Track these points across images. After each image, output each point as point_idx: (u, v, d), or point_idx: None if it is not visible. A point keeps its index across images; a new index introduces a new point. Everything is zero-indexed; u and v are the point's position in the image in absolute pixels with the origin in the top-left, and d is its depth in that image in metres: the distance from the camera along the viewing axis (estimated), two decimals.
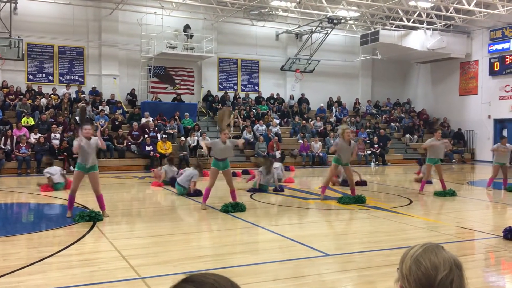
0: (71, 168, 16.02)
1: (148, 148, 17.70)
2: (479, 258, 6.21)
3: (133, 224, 7.96)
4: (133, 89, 21.50)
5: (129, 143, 18.06)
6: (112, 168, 16.79)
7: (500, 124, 22.82)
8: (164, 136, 18.36)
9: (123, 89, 21.47)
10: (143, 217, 8.72)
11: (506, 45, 22.05)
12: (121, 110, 20.15)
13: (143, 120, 19.34)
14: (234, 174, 15.59)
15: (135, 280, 4.82)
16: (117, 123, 18.98)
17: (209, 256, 5.86)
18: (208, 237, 7.39)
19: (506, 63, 22.04)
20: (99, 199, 8.12)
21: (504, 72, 22.16)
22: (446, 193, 11.13)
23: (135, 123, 18.70)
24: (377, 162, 20.75)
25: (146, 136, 18.19)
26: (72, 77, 20.89)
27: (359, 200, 9.91)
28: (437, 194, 11.22)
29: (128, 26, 21.37)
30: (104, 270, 5.16)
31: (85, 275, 5.00)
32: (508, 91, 22.19)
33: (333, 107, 24.73)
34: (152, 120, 19.43)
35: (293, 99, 24.59)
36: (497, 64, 22.48)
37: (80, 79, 21.04)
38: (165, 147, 17.79)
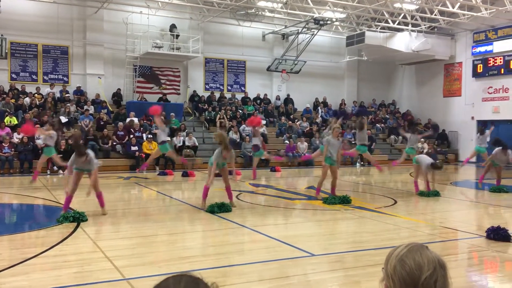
0: (55, 168, 15.86)
1: (133, 148, 17.58)
2: (462, 258, 6.29)
3: (118, 225, 7.89)
4: (119, 89, 21.33)
5: (114, 143, 17.91)
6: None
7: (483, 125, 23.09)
8: (149, 136, 18.24)
9: (108, 89, 21.28)
10: (128, 218, 8.65)
11: (489, 48, 22.37)
12: (106, 110, 19.97)
13: (128, 119, 19.17)
14: (220, 175, 15.58)
15: (119, 281, 4.78)
16: (102, 123, 18.81)
17: (194, 257, 5.83)
18: (193, 237, 7.36)
19: (489, 65, 22.36)
20: (99, 197, 8.35)
21: (487, 74, 22.49)
22: (429, 193, 11.25)
23: (120, 123, 18.55)
24: (362, 163, 20.88)
25: (131, 136, 18.06)
26: (56, 76, 20.65)
27: (345, 201, 9.96)
28: (421, 194, 11.33)
29: (113, 25, 21.20)
30: (88, 271, 5.11)
31: (69, 276, 4.94)
32: (491, 93, 22.52)
33: (319, 107, 24.83)
34: (138, 120, 19.29)
35: (279, 99, 24.63)
36: (480, 66, 22.79)
37: (65, 78, 20.81)
38: (151, 147, 17.67)
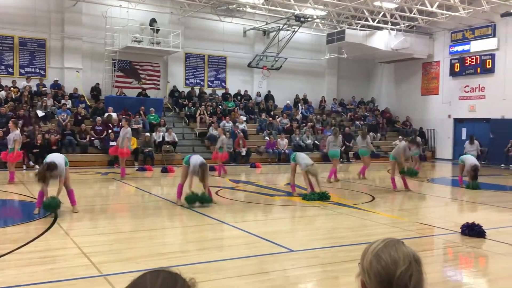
0: (31, 163, 15.58)
1: (112, 143, 17.33)
2: (437, 253, 6.40)
3: (95, 221, 7.80)
4: (97, 83, 21.03)
5: (92, 138, 17.68)
6: (74, 163, 16.33)
7: (460, 123, 23.55)
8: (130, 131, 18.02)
9: (86, 83, 20.97)
10: (106, 214, 8.57)
11: (466, 47, 22.76)
12: (84, 104, 19.69)
13: (106, 114, 18.93)
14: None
15: (96, 277, 4.73)
16: (79, 117, 18.54)
17: (173, 253, 5.81)
18: (172, 233, 7.32)
19: (466, 64, 22.75)
20: (70, 194, 8.10)
21: (464, 73, 22.89)
22: (412, 172, 11.96)
23: (98, 118, 18.31)
24: (341, 160, 21.03)
25: (109, 131, 17.84)
26: (33, 70, 20.25)
27: (323, 197, 10.03)
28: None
29: (92, 18, 20.87)
30: (64, 268, 5.04)
31: (44, 272, 4.86)
32: (468, 92, 22.93)
33: (299, 104, 24.93)
34: (117, 115, 19.06)
35: (260, 96, 24.64)
36: (457, 65, 23.18)
37: (42, 72, 20.42)
38: (132, 143, 17.47)
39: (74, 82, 20.54)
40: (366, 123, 24.99)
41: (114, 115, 18.94)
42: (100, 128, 18.04)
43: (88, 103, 20.19)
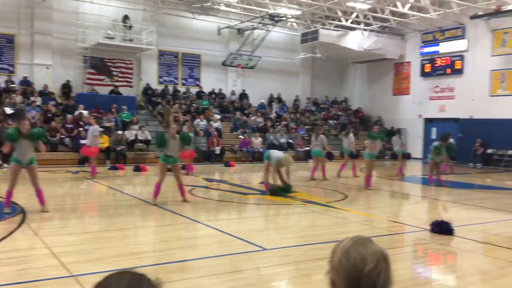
0: None
1: (82, 141, 17.02)
2: (408, 251, 6.52)
3: (66, 220, 7.65)
4: (68, 80, 20.61)
5: (62, 136, 17.33)
6: (44, 162, 15.96)
7: (430, 123, 24.05)
8: (100, 129, 17.74)
9: (56, 80, 20.51)
10: (77, 213, 8.41)
11: (436, 48, 23.26)
12: (54, 101, 19.27)
13: (78, 113, 18.59)
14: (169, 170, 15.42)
15: (66, 278, 4.64)
16: (49, 115, 18.14)
17: (145, 253, 5.75)
18: (145, 233, 7.25)
19: (436, 65, 23.26)
20: (38, 193, 7.90)
21: (434, 74, 23.38)
22: None
23: (69, 116, 17.96)
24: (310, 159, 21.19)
25: (80, 129, 17.52)
26: (1, 66, 19.69)
27: (286, 190, 10.39)
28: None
29: (63, 14, 20.44)
30: (33, 268, 4.93)
31: (13, 273, 4.74)
32: (438, 92, 23.44)
33: (274, 103, 25.01)
34: (88, 112, 18.72)
35: (234, 94, 24.61)
36: (428, 66, 23.67)
37: (10, 68, 19.87)
38: (101, 141, 17.21)
39: (44, 79, 20.07)
40: (339, 122, 25.27)
41: (85, 112, 18.60)
42: (71, 126, 17.69)
43: (58, 100, 19.77)
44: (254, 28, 23.18)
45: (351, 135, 15.45)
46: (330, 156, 13.94)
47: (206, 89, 23.89)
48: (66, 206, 9.02)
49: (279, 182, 10.68)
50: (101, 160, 17.02)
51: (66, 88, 20.54)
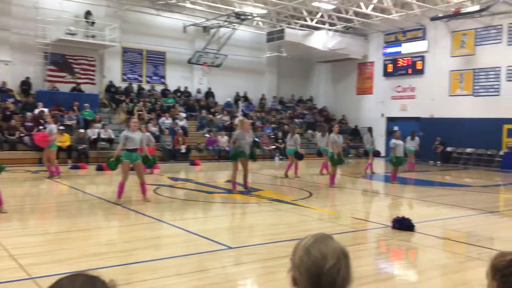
0: None
1: None
2: (370, 247, 6.65)
3: (25, 222, 7.42)
4: (27, 77, 19.96)
5: (21, 135, 16.78)
6: (2, 161, 15.45)
7: (392, 122, 24.59)
8: (61, 127, 17.29)
9: (15, 77, 19.82)
10: (37, 214, 8.17)
11: (398, 49, 23.80)
12: (13, 99, 18.64)
13: (38, 110, 18.04)
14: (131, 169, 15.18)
15: (24, 280, 4.50)
16: (8, 113, 17.53)
17: (107, 253, 5.63)
18: (108, 233, 7.11)
19: (398, 65, 23.81)
20: None
21: (396, 74, 23.93)
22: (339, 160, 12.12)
23: (28, 114, 17.41)
24: (281, 157, 21.34)
25: (41, 127, 17.00)
26: None
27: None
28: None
29: (22, 9, 19.77)
30: None
31: None
32: (399, 92, 24.00)
33: (240, 102, 24.99)
34: (48, 110, 18.20)
35: (200, 92, 24.45)
36: (390, 66, 24.20)
37: None
38: (62, 140, 16.79)
39: (2, 76, 19.37)
40: (305, 121, 25.52)
41: (45, 110, 18.07)
42: (31, 124, 17.16)
43: (17, 97, 19.14)
44: (220, 26, 23.09)
45: (296, 135, 15.61)
46: (298, 156, 14.01)
47: (172, 87, 23.64)
48: (26, 207, 8.75)
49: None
50: (62, 159, 16.60)
51: (25, 85, 19.90)
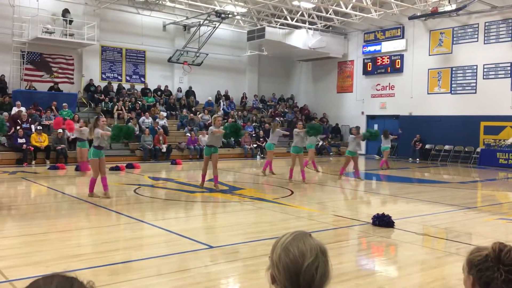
0: None
1: (20, 140, 16.27)
2: (352, 244, 6.71)
3: (2, 223, 7.27)
4: (3, 75, 19.56)
5: None
6: None
7: (372, 120, 24.85)
8: (39, 127, 17.03)
9: None
10: (14, 216, 8.02)
11: (377, 47, 24.05)
12: None
13: (14, 110, 17.70)
14: (118, 169, 15.06)
15: (1, 283, 4.41)
16: None
17: (86, 255, 5.56)
18: (87, 234, 7.01)
19: (378, 64, 24.05)
20: None
21: (375, 72, 24.17)
22: None
23: (5, 113, 17.05)
24: (262, 155, 21.36)
25: (18, 127, 16.70)
26: None
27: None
28: None
29: None
30: None
31: None
32: (379, 90, 24.25)
33: (221, 100, 24.93)
34: (25, 110, 17.88)
35: (181, 91, 24.31)
36: (369, 65, 24.43)
37: None
38: (40, 140, 16.52)
39: None
40: (286, 119, 25.59)
41: (23, 110, 17.75)
42: (7, 124, 16.79)
43: None
44: (200, 25, 22.98)
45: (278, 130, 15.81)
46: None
47: (152, 86, 23.45)
48: (3, 208, 8.57)
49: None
50: (40, 160, 16.35)
51: (1, 84, 19.50)
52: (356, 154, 13.56)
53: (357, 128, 14.70)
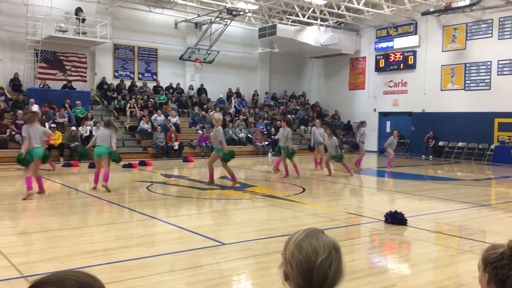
0: None
1: None
2: (364, 241, 6.68)
3: (16, 220, 7.38)
4: (16, 73, 19.78)
5: (12, 133, 16.65)
6: None
7: (384, 117, 24.69)
8: (53, 125, 17.20)
9: (6, 75, 19.68)
10: (29, 212, 8.12)
11: (390, 44, 23.86)
12: (3, 97, 18.49)
13: (36, 108, 17.86)
14: (131, 166, 15.15)
15: (16, 279, 4.47)
16: None
17: (100, 251, 5.61)
18: (100, 231, 7.07)
19: (390, 60, 23.87)
20: None
21: (388, 69, 23.99)
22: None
23: (19, 111, 17.26)
24: (273, 153, 21.33)
25: None
26: None
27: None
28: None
29: (11, 6, 19.59)
30: None
31: None
32: (391, 86, 24.07)
33: (232, 98, 24.96)
34: (39, 108, 18.07)
35: (192, 89, 24.38)
36: (382, 61, 24.25)
37: None
38: (54, 137, 16.70)
39: None
40: (297, 116, 25.54)
41: (36, 107, 17.93)
42: (22, 122, 17.00)
43: (8, 95, 18.98)
44: (211, 22, 23.01)
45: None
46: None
47: (164, 83, 23.56)
48: (18, 205, 8.69)
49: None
50: (54, 157, 16.50)
51: (14, 82, 19.73)
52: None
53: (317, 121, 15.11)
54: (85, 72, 21.77)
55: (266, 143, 21.72)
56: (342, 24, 24.82)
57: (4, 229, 6.74)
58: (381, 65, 24.29)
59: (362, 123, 16.01)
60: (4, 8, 19.47)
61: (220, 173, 12.66)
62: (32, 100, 18.19)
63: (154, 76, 23.81)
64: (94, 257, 5.26)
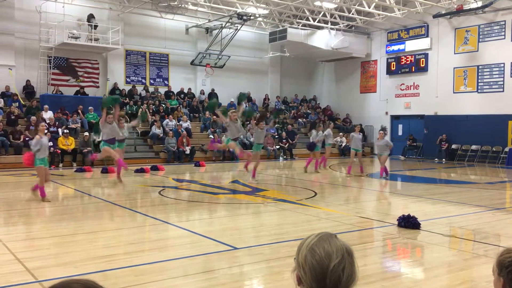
0: None
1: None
2: (377, 245, 6.64)
3: (31, 225, 7.46)
4: (28, 80, 20.03)
5: (26, 139, 16.84)
6: (8, 165, 15.60)
7: (396, 120, 24.54)
8: (66, 131, 17.39)
9: (20, 81, 19.95)
10: (43, 217, 8.21)
11: (401, 46, 23.73)
12: (17, 103, 18.73)
13: (45, 114, 18.07)
14: (143, 171, 15.23)
15: (31, 283, 4.52)
16: (13, 117, 17.63)
17: (113, 256, 5.64)
18: (113, 235, 7.11)
19: (401, 63, 23.73)
20: None
21: (399, 72, 23.86)
22: None
23: (33, 117, 17.46)
24: (285, 157, 21.35)
25: (46, 131, 17.05)
26: None
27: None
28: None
29: (25, 13, 19.87)
30: None
31: None
32: (403, 90, 23.93)
33: (243, 102, 24.97)
34: (53, 114, 18.29)
35: (203, 94, 24.48)
36: (393, 64, 24.13)
37: None
38: (67, 143, 16.87)
39: (6, 80, 19.48)
40: (308, 120, 25.49)
41: (50, 113, 18.15)
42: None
43: (21, 101, 19.23)
44: (222, 27, 23.11)
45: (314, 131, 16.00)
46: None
47: (175, 88, 23.69)
48: (32, 210, 8.78)
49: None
50: (67, 163, 16.69)
51: (27, 88, 19.98)
52: (361, 150, 14.90)
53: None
54: (98, 78, 21.98)
55: (277, 147, 21.70)
56: (353, 28, 24.76)
57: (19, 234, 6.82)
58: (392, 68, 24.16)
59: (329, 124, 16.96)
60: (18, 15, 19.76)
61: (231, 178, 12.67)
62: (46, 106, 18.41)
63: (166, 81, 23.95)
64: (108, 261, 5.30)
